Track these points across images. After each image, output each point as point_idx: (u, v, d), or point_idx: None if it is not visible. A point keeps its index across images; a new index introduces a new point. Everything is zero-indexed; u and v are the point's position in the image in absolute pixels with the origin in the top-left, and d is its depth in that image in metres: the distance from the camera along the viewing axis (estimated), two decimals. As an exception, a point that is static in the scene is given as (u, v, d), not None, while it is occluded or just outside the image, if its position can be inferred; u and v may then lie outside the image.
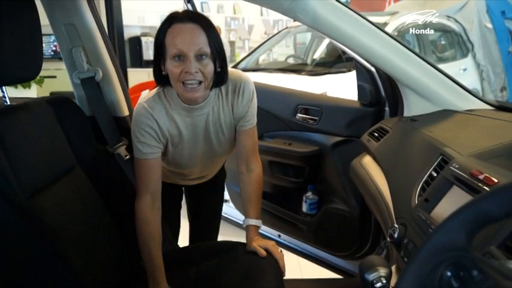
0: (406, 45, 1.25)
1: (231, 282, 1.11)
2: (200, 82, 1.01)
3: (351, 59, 3.23)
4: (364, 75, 1.49)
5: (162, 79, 1.07)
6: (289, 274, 1.26)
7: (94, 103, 1.30)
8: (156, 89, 1.11)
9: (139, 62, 6.47)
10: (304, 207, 1.78)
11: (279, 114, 1.80)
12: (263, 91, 1.89)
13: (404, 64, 1.25)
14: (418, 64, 1.25)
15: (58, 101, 1.13)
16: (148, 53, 6.35)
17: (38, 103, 1.06)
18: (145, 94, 1.15)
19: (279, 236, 1.97)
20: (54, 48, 4.51)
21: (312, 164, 1.72)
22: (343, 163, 1.61)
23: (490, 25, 4.23)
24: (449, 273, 0.46)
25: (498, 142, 0.89)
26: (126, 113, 1.39)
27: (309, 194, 1.76)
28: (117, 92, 1.37)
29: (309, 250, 1.88)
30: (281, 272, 1.19)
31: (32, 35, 0.92)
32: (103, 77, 1.31)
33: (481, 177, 0.72)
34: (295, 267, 2.07)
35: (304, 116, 1.72)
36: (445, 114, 1.26)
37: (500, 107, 1.29)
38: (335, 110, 1.63)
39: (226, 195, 1.95)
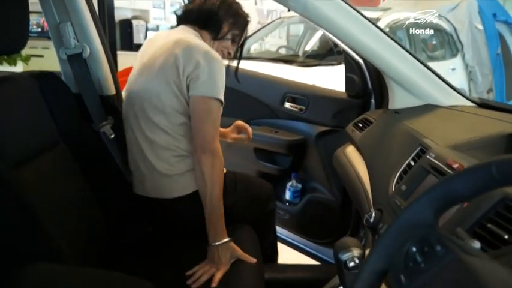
0: (395, 39, 1.26)
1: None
2: None
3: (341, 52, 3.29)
4: (352, 67, 1.51)
5: (209, 24, 1.22)
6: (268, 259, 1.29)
7: (80, 80, 1.29)
8: (196, 35, 1.20)
9: (129, 45, 6.37)
10: (288, 195, 1.81)
11: (266, 101, 1.82)
12: (251, 78, 1.91)
13: (392, 58, 1.26)
14: (405, 59, 1.27)
15: (43, 75, 1.12)
16: (139, 37, 6.26)
17: (22, 76, 1.06)
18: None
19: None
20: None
21: (296, 153, 1.75)
22: (327, 153, 1.63)
23: (480, 26, 4.28)
24: (414, 249, 0.48)
25: (475, 135, 0.92)
26: (113, 91, 1.38)
27: (293, 182, 1.78)
28: (105, 70, 1.36)
29: (288, 237, 1.91)
30: (261, 256, 1.22)
31: (17, 5, 0.91)
32: (90, 54, 1.29)
33: (455, 166, 0.75)
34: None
35: (292, 104, 1.74)
36: (428, 108, 1.29)
37: (482, 105, 1.32)
38: (322, 100, 1.64)
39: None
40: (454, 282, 0.42)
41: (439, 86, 1.31)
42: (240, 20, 1.27)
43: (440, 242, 0.45)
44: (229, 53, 1.28)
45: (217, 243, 1.08)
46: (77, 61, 1.28)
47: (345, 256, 0.74)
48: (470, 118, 1.15)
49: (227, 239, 1.10)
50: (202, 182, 1.10)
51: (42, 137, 1.04)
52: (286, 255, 2.02)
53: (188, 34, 1.17)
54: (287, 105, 1.75)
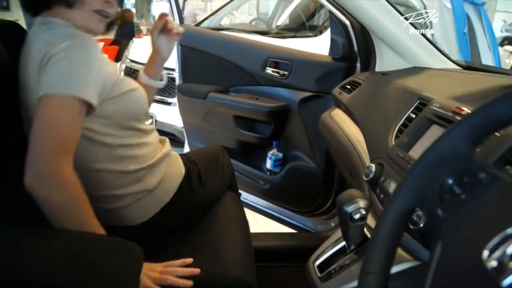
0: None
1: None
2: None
3: (315, 26, 3.24)
4: (338, 28, 1.46)
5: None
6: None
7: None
8: (49, 18, 0.86)
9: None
10: (269, 164, 1.76)
11: (246, 67, 1.74)
12: (230, 42, 1.82)
13: (383, 18, 1.23)
14: (396, 19, 1.24)
15: (6, 25, 1.00)
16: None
17: None
18: None
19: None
20: None
21: (278, 120, 1.69)
22: (310, 119, 1.59)
23: (449, 5, 4.35)
24: (450, 181, 0.44)
25: (473, 88, 0.90)
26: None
27: (274, 150, 1.74)
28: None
29: (268, 207, 1.88)
30: (247, 223, 1.17)
31: None
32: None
33: (463, 112, 0.72)
34: (252, 222, 2.07)
35: (274, 70, 1.67)
36: (417, 69, 1.27)
37: (468, 67, 1.31)
38: (306, 65, 1.59)
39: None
40: (502, 209, 0.38)
41: (427, 48, 1.30)
42: None
43: (484, 170, 0.41)
44: (106, 16, 0.88)
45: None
46: None
47: (350, 208, 0.70)
48: (461, 76, 1.14)
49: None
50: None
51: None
52: (266, 226, 2.00)
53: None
54: (269, 70, 1.68)
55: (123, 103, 0.90)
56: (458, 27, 4.54)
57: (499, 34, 8.49)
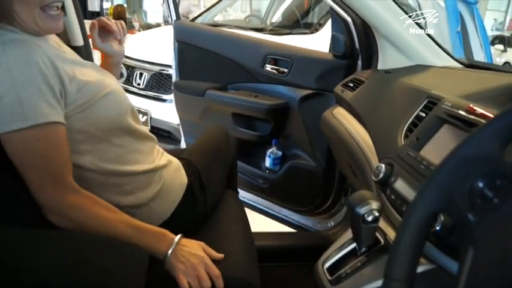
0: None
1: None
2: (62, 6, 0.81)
3: (310, 24, 3.22)
4: (339, 25, 1.44)
5: None
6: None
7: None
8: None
9: (83, 13, 5.96)
10: (268, 163, 1.74)
11: (245, 64, 1.71)
12: (228, 39, 1.79)
13: (386, 14, 1.22)
14: (398, 16, 1.22)
15: None
16: (94, 4, 5.87)
17: None
18: None
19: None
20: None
21: (277, 118, 1.67)
22: (311, 117, 1.57)
23: (442, 3, 4.37)
24: (481, 184, 0.42)
25: (483, 87, 0.88)
26: (81, 43, 1.23)
27: (273, 149, 1.71)
28: (72, 19, 1.21)
29: (267, 206, 1.86)
30: (248, 222, 1.15)
31: None
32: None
33: (477, 112, 0.70)
34: (249, 221, 2.06)
35: (273, 67, 1.65)
36: (420, 68, 1.25)
37: (470, 65, 1.30)
38: (306, 62, 1.57)
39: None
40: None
41: (430, 45, 1.29)
42: None
43: (519, 172, 0.39)
44: (56, 8, 0.78)
45: (169, 252, 0.80)
46: None
47: (363, 209, 0.68)
48: (466, 74, 1.13)
49: (175, 238, 0.83)
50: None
51: None
52: (264, 225, 1.98)
53: None
54: (268, 67, 1.66)
55: (99, 112, 0.81)
56: (452, 25, 4.56)
57: (490, 33, 8.58)
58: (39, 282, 0.62)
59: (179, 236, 0.84)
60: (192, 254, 0.82)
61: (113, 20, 0.99)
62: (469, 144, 0.45)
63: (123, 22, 1.01)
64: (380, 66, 1.35)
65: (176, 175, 1.01)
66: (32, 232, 0.71)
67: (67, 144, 0.75)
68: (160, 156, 0.99)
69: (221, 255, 0.88)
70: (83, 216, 0.75)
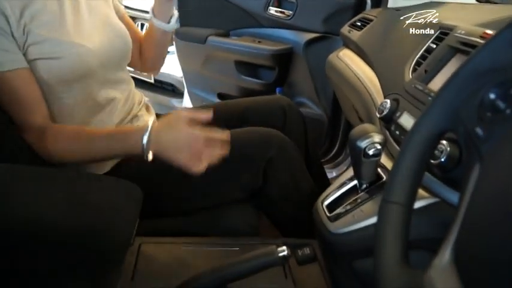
0: None
1: None
2: None
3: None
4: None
5: None
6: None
7: None
8: None
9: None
10: (271, 111, 1.69)
11: (248, 8, 1.63)
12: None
13: None
14: None
15: None
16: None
17: None
18: None
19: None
20: None
21: (282, 64, 1.61)
22: (316, 62, 1.50)
23: None
24: (493, 96, 0.38)
25: (496, 17, 0.81)
26: None
27: (277, 97, 1.66)
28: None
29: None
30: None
31: None
32: None
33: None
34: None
35: (277, 9, 1.56)
36: (432, 4, 1.17)
37: (486, 0, 1.22)
38: (312, 3, 1.48)
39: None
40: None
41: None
42: None
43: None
44: None
45: (144, 141, 0.73)
46: None
47: (364, 143, 0.65)
48: (481, 8, 1.05)
49: (146, 127, 0.74)
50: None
51: None
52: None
53: None
54: (272, 10, 1.57)
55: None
56: None
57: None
58: (31, 216, 0.61)
59: (151, 119, 0.79)
60: (173, 133, 0.73)
61: None
62: (480, 54, 0.40)
63: None
64: (390, 5, 1.27)
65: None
66: (22, 169, 0.69)
67: (28, 86, 0.76)
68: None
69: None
70: (62, 149, 0.78)
